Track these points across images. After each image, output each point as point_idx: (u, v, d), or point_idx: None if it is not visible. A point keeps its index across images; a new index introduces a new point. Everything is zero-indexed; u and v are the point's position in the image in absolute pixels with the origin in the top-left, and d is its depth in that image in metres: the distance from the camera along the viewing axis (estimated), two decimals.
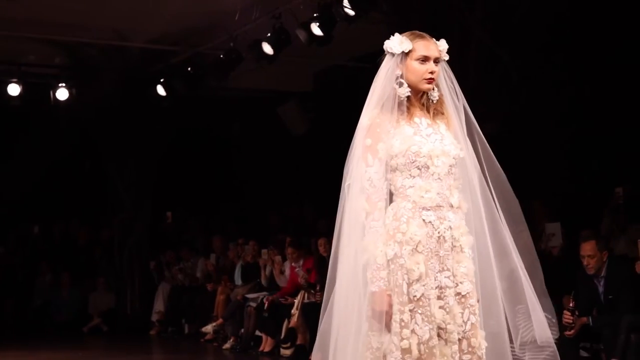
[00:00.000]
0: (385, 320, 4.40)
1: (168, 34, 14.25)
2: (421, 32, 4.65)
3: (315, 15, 11.88)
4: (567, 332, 9.13)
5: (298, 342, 12.38)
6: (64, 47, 15.16)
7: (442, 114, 4.66)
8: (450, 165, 4.55)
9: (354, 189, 4.52)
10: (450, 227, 4.50)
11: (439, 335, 4.40)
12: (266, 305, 13.02)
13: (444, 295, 4.45)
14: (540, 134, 12.43)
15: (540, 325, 4.68)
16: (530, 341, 4.76)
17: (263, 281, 13.98)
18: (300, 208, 16.38)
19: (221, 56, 13.80)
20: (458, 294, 4.48)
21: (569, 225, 10.75)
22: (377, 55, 4.66)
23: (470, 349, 4.47)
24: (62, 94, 15.53)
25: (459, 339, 4.44)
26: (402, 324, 4.37)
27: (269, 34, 12.68)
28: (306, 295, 12.39)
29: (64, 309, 17.44)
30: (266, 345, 13.11)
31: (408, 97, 4.58)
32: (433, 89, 4.62)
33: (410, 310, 4.38)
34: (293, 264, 13.02)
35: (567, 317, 9.09)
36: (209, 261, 15.76)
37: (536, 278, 4.69)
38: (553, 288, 9.54)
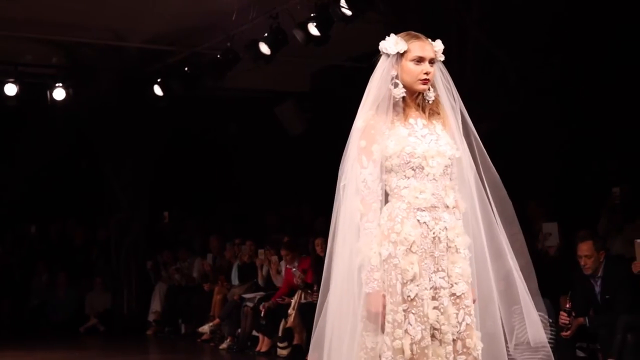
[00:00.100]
0: (381, 321, 4.41)
1: (165, 34, 14.23)
2: (416, 33, 4.65)
3: (312, 15, 11.87)
4: (564, 333, 9.14)
5: (295, 342, 12.38)
6: (61, 47, 15.14)
7: (438, 114, 4.66)
8: (446, 166, 4.55)
9: (348, 190, 4.53)
10: (446, 228, 4.50)
11: (433, 336, 4.41)
12: (262, 313, 13.00)
13: (439, 296, 4.45)
14: (538, 134, 12.43)
15: (534, 327, 4.69)
16: (526, 342, 4.76)
17: (260, 281, 13.97)
18: (298, 208, 16.38)
19: (218, 56, 13.79)
20: (453, 294, 4.48)
21: (566, 225, 10.75)
22: (374, 56, 4.67)
23: (465, 350, 4.46)
24: (59, 94, 15.52)
25: (454, 340, 4.44)
26: (395, 324, 4.38)
27: (266, 34, 12.67)
28: (303, 295, 12.39)
29: (60, 309, 17.43)
30: (263, 345, 13.11)
31: (403, 97, 4.58)
32: (429, 90, 4.62)
33: (404, 311, 4.38)
34: (288, 266, 13.01)
35: (564, 317, 9.10)
36: (206, 261, 15.75)
37: (530, 281, 4.69)
38: (549, 288, 9.60)
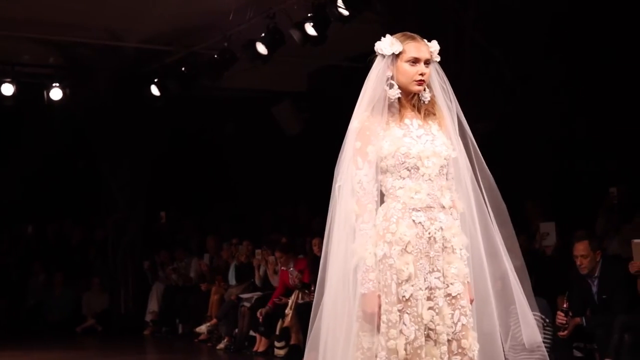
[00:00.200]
0: (376, 322, 4.41)
1: (162, 34, 14.22)
2: (412, 34, 4.65)
3: (309, 15, 11.87)
4: (561, 333, 9.15)
5: (292, 342, 12.37)
6: (58, 47, 15.13)
7: (434, 114, 4.65)
8: (442, 166, 4.55)
9: (344, 191, 4.53)
10: (442, 228, 4.50)
11: (428, 336, 4.41)
12: (261, 319, 12.97)
13: (434, 296, 4.45)
14: (536, 134, 12.44)
15: (529, 328, 4.69)
16: (522, 343, 4.76)
17: (257, 281, 13.97)
18: (295, 208, 16.39)
19: (215, 56, 13.79)
20: (448, 295, 4.47)
21: (563, 225, 10.76)
22: (372, 56, 4.66)
23: (460, 350, 4.46)
24: (55, 93, 15.51)
25: (449, 340, 4.44)
26: (390, 324, 4.38)
27: (263, 34, 12.67)
28: (300, 295, 12.39)
29: (57, 309, 17.42)
30: (260, 345, 13.10)
31: (399, 98, 4.58)
32: (424, 90, 4.62)
33: (399, 311, 4.38)
34: (283, 268, 13.00)
35: (561, 317, 9.11)
36: (203, 261, 15.75)
37: (524, 282, 4.69)
38: (547, 288, 9.61)
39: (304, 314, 11.56)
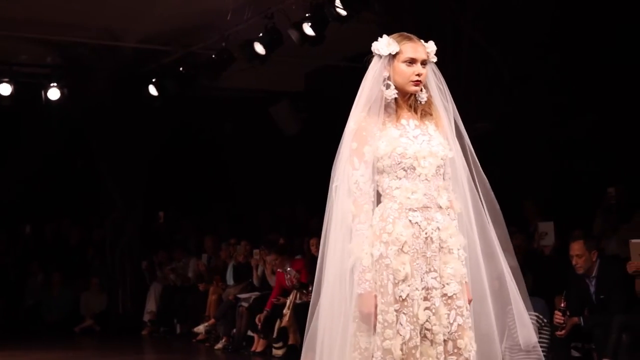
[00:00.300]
0: (373, 322, 4.41)
1: (160, 33, 14.22)
2: (409, 34, 4.65)
3: (307, 15, 11.87)
4: (558, 332, 9.15)
5: (290, 342, 12.37)
6: (55, 46, 15.12)
7: (431, 115, 4.65)
8: (438, 166, 4.55)
9: (341, 191, 4.54)
10: (438, 228, 4.50)
11: (425, 337, 4.40)
12: (260, 325, 12.96)
13: (431, 296, 4.44)
14: (534, 134, 12.45)
15: (525, 329, 4.69)
16: (519, 343, 4.76)
17: (255, 281, 13.96)
18: (293, 208, 16.38)
19: (213, 56, 13.79)
20: (444, 295, 4.47)
21: (562, 225, 10.76)
22: (370, 56, 4.67)
23: (456, 350, 4.45)
24: (53, 93, 15.49)
25: (445, 340, 4.44)
26: (386, 324, 4.38)
27: (261, 34, 12.66)
28: (298, 295, 12.38)
29: (55, 309, 17.41)
30: (258, 345, 13.10)
31: (395, 99, 4.58)
32: (421, 91, 4.62)
33: (396, 311, 4.38)
34: (279, 270, 12.99)
35: (558, 317, 9.11)
36: (201, 261, 15.75)
37: (519, 284, 4.70)
38: (545, 287, 9.61)
39: (302, 314, 11.52)
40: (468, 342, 4.47)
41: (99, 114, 16.26)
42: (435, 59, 4.65)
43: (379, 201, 4.55)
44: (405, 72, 4.55)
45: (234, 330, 13.81)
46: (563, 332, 9.12)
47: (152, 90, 15.27)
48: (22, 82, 15.30)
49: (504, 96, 11.52)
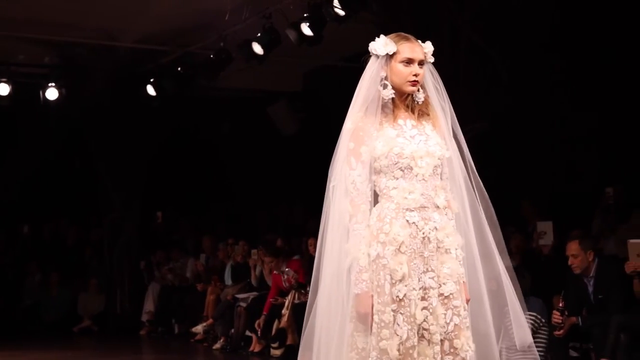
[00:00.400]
0: (370, 322, 4.41)
1: (158, 33, 14.21)
2: (406, 34, 4.65)
3: (305, 15, 11.86)
4: (557, 332, 9.14)
5: (288, 342, 12.36)
6: (53, 46, 15.11)
7: (428, 115, 4.66)
8: (435, 166, 4.55)
9: (338, 191, 4.54)
10: (436, 228, 4.50)
11: (422, 336, 4.41)
12: (259, 331, 12.95)
13: (428, 296, 4.45)
14: (532, 134, 12.45)
15: (520, 329, 4.69)
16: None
17: (253, 281, 13.96)
18: (291, 208, 16.38)
19: (211, 56, 13.78)
20: (441, 294, 4.47)
21: (561, 225, 10.76)
22: (366, 56, 4.67)
23: (452, 350, 4.46)
24: (51, 93, 15.48)
25: (441, 340, 4.44)
26: (382, 324, 4.38)
27: (259, 34, 12.65)
28: (296, 295, 12.38)
29: (53, 309, 17.40)
30: (256, 345, 13.09)
31: (393, 99, 4.59)
32: (418, 91, 4.62)
33: (393, 311, 4.38)
34: (275, 272, 12.98)
35: (557, 317, 9.10)
36: (199, 261, 15.73)
37: (514, 284, 4.70)
38: (543, 287, 9.61)
39: (301, 314, 11.49)
40: (465, 342, 4.47)
41: (97, 114, 16.25)
42: (432, 59, 4.65)
43: (376, 201, 4.56)
44: (403, 72, 4.56)
45: (232, 330, 13.81)
46: (561, 332, 9.11)
47: (150, 90, 15.27)
48: (20, 82, 15.29)
49: (501, 96, 11.52)
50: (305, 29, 11.89)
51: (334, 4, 11.34)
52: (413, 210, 4.48)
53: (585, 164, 12.21)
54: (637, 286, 8.95)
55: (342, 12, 11.37)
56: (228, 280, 14.67)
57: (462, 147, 4.69)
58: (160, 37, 14.37)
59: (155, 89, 15.22)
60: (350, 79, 4.82)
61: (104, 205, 17.46)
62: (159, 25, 13.67)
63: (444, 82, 4.72)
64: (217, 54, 13.60)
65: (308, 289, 11.79)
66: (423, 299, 4.44)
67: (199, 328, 14.65)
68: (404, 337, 4.36)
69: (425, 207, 4.50)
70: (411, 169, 4.50)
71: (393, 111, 4.60)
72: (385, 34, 4.65)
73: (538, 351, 8.79)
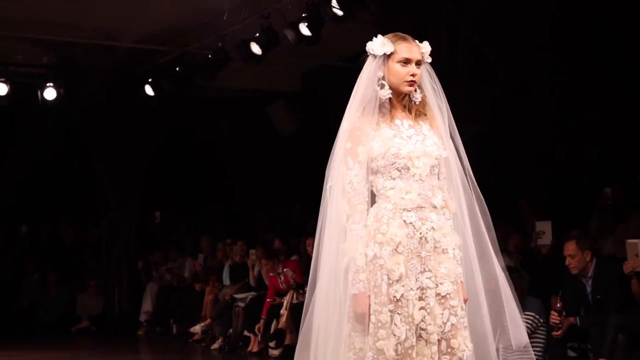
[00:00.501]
0: (367, 322, 4.41)
1: (156, 33, 14.20)
2: (404, 34, 4.65)
3: (303, 15, 11.86)
4: (555, 333, 9.14)
5: (286, 342, 12.35)
6: (51, 46, 15.10)
7: (425, 115, 4.66)
8: (432, 166, 4.55)
9: (335, 191, 4.54)
10: (433, 228, 4.50)
11: (420, 336, 4.41)
12: (259, 337, 12.94)
13: (425, 296, 4.45)
14: (531, 134, 12.44)
15: (517, 329, 4.69)
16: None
17: (251, 281, 13.96)
18: (289, 208, 16.37)
19: (209, 56, 13.78)
20: (438, 294, 4.47)
21: (559, 224, 10.75)
22: (363, 56, 4.67)
23: (449, 350, 4.46)
24: (50, 93, 15.47)
25: (438, 340, 4.44)
26: (379, 324, 4.38)
27: (257, 34, 12.65)
28: (295, 295, 12.37)
29: (51, 309, 17.39)
30: (254, 345, 13.09)
31: (390, 99, 4.59)
32: (415, 91, 4.62)
33: (390, 311, 4.38)
34: (271, 274, 12.97)
35: (555, 317, 9.10)
36: (197, 261, 15.73)
37: (510, 285, 4.70)
38: (541, 287, 9.60)
39: (299, 314, 11.48)
40: (462, 342, 4.47)
41: (95, 114, 16.24)
42: (429, 60, 4.65)
43: (373, 201, 4.56)
44: (400, 72, 4.56)
45: (230, 330, 13.80)
46: (559, 332, 9.11)
47: (149, 90, 15.26)
48: (18, 82, 15.27)
49: (499, 96, 11.52)
50: (304, 29, 11.89)
51: (332, 4, 11.34)
52: (410, 211, 4.47)
53: (584, 164, 12.20)
54: (635, 286, 8.95)
55: (340, 12, 11.37)
56: (226, 280, 14.67)
57: (459, 147, 4.69)
58: (159, 37, 14.37)
59: (154, 89, 15.21)
60: (349, 79, 4.82)
61: (102, 205, 17.45)
62: (157, 25, 13.68)
63: (441, 82, 4.72)
64: (216, 54, 13.60)
65: (306, 289, 11.82)
66: (420, 299, 4.43)
67: (197, 328, 14.64)
68: (402, 337, 4.36)
69: (422, 207, 4.50)
70: (408, 169, 4.50)
71: (390, 111, 4.60)
72: (384, 34, 4.65)
73: (536, 351, 8.83)
